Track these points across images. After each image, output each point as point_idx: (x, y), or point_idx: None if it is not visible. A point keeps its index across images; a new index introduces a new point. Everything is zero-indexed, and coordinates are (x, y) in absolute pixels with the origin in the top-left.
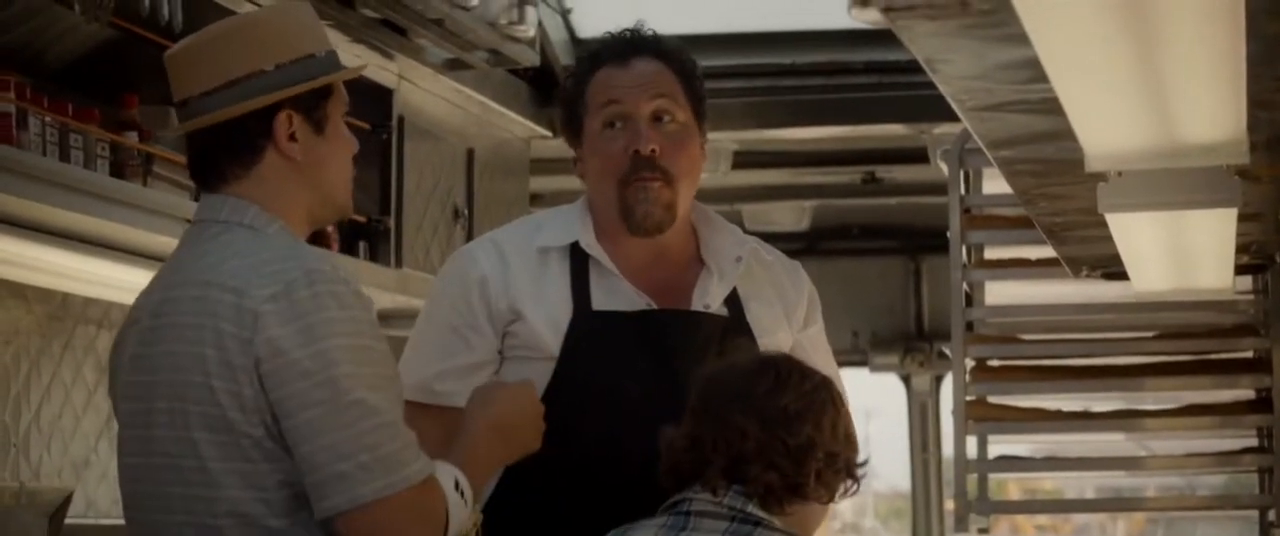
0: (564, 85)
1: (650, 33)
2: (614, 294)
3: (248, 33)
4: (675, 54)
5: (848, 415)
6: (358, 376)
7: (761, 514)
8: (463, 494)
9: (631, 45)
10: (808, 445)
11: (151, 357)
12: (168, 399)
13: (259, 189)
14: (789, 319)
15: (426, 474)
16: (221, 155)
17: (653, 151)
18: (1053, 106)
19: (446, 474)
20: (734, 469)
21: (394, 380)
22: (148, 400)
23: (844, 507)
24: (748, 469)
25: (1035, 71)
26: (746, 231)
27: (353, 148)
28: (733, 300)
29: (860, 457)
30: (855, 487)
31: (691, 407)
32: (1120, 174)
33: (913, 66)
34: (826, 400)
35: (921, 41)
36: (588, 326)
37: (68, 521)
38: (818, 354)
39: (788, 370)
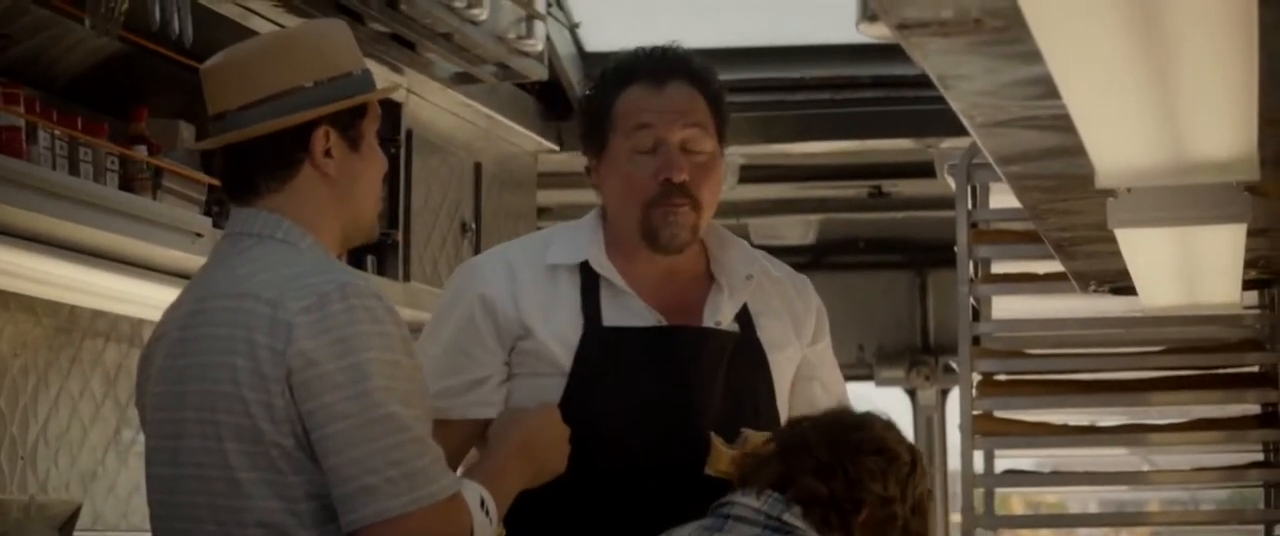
0: (589, 95)
1: (682, 52)
2: (625, 310)
3: (286, 49)
4: (706, 78)
5: (925, 491)
6: (388, 390)
7: (798, 523)
8: (488, 512)
9: (666, 66)
10: (868, 477)
11: (181, 368)
12: (197, 409)
13: (293, 203)
14: (798, 334)
15: (453, 490)
16: (257, 169)
17: (684, 181)
18: (1063, 123)
19: (473, 491)
20: (785, 478)
21: (424, 396)
22: (177, 410)
23: None
24: (800, 479)
25: (1046, 88)
26: (753, 245)
27: (383, 167)
28: (743, 316)
29: (920, 529)
30: None
31: (780, 431)
32: (1130, 190)
33: (920, 81)
34: (908, 462)
35: (934, 58)
36: (599, 343)
37: (75, 534)
38: (825, 368)
39: (883, 423)
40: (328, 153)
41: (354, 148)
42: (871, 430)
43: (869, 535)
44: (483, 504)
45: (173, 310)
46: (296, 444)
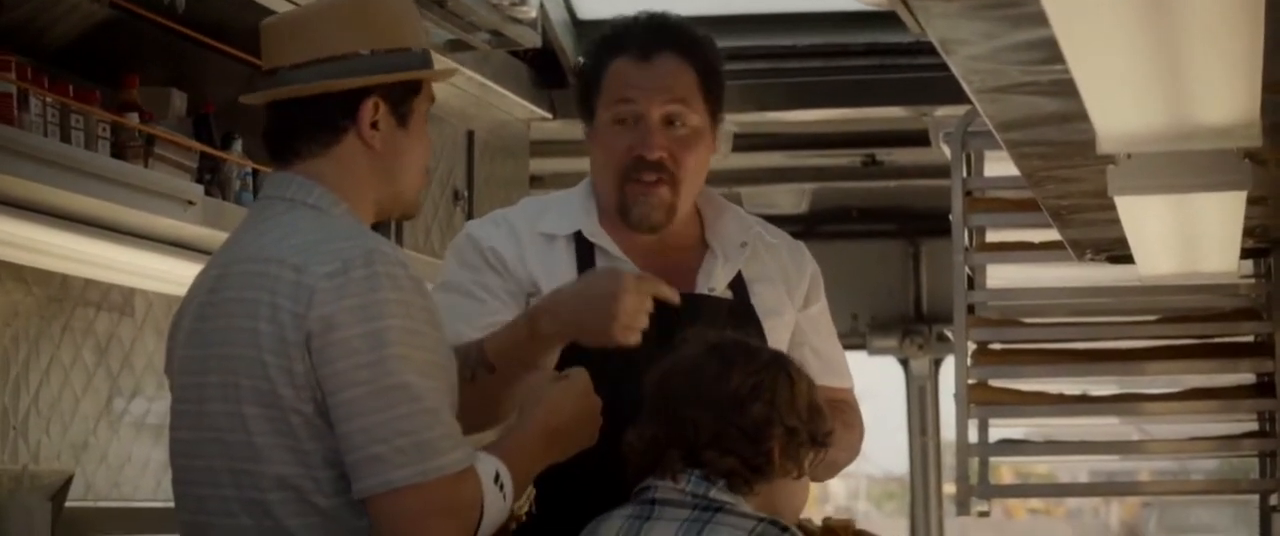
0: (581, 63)
1: (676, 21)
2: None
3: (350, 14)
4: (698, 49)
5: (807, 387)
6: (406, 359)
7: (725, 498)
8: (502, 487)
9: (655, 38)
10: (762, 424)
11: (206, 332)
12: (220, 372)
13: (331, 169)
14: (792, 299)
15: (464, 465)
16: (301, 131)
17: (660, 158)
18: (1064, 88)
19: (487, 466)
20: (690, 457)
21: (445, 368)
22: (201, 374)
23: (836, 490)
24: (703, 455)
25: (1048, 52)
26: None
27: (429, 148)
28: (737, 283)
29: (825, 426)
30: (824, 454)
31: (646, 407)
32: (1130, 156)
33: (913, 48)
34: (779, 376)
35: (935, 22)
36: None
37: (67, 504)
38: (820, 334)
39: (734, 352)
40: (375, 124)
41: (402, 124)
42: (735, 368)
43: (785, 461)
44: (497, 478)
45: (202, 275)
46: (316, 410)
